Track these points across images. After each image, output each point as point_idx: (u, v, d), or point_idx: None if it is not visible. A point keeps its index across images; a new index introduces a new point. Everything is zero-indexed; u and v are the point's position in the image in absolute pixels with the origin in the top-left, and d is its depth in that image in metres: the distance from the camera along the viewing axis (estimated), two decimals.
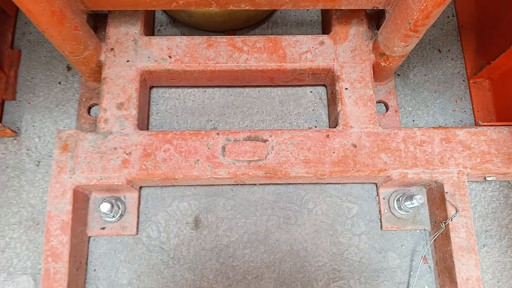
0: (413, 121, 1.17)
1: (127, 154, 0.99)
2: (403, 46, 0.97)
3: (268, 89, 1.20)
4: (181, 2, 0.96)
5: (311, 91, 1.20)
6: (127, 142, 1.00)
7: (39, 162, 1.13)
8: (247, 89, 1.20)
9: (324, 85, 1.19)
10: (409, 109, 1.18)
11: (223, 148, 1.00)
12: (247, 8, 0.99)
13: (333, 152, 0.99)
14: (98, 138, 1.01)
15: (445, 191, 0.98)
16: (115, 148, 1.00)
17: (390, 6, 0.99)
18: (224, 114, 1.18)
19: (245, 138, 1.01)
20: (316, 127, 1.16)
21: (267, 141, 1.00)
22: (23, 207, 1.10)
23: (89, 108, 1.16)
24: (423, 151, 1.00)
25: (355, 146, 1.00)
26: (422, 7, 0.82)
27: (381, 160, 0.99)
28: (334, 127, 1.07)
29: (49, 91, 1.19)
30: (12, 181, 1.12)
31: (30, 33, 1.24)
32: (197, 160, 0.99)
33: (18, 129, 1.16)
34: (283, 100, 1.19)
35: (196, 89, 1.20)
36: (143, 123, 1.12)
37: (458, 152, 1.00)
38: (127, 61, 1.07)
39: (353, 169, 0.98)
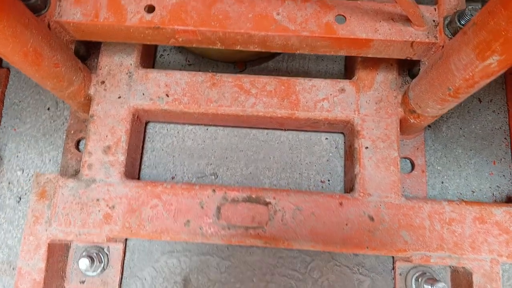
0: (442, 183, 1.01)
1: (110, 207, 0.88)
2: (439, 108, 0.81)
3: (278, 132, 1.06)
4: (180, 39, 0.83)
5: (327, 138, 1.05)
6: (111, 193, 0.89)
7: (20, 198, 1.03)
8: (254, 131, 1.06)
9: (342, 132, 1.04)
10: (439, 168, 1.02)
11: (218, 209, 0.87)
12: (256, 49, 0.85)
13: (346, 225, 0.85)
14: (80, 186, 0.89)
15: (474, 282, 0.83)
16: (98, 200, 0.88)
17: (427, 59, 0.83)
18: (226, 158, 1.04)
19: (244, 198, 0.88)
20: (329, 181, 1.02)
21: (270, 204, 0.87)
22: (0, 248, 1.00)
23: (78, 142, 1.04)
24: (451, 232, 0.85)
25: (372, 219, 0.86)
26: (467, 77, 0.66)
27: (401, 239, 0.85)
28: (350, 191, 0.93)
29: (36, 118, 1.08)
30: None
31: None
32: (188, 221, 0.87)
33: (1, 159, 1.06)
34: (293, 146, 1.05)
35: (197, 127, 1.07)
36: (134, 165, 0.99)
37: (494, 236, 0.85)
38: (119, 97, 0.94)
39: (367, 247, 0.84)
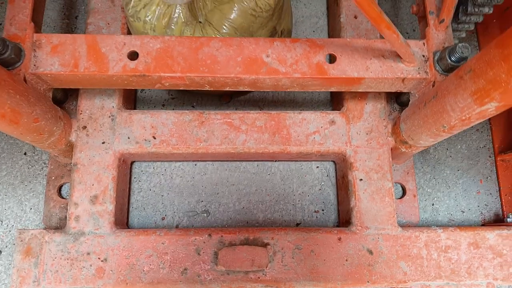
0: (433, 205, 1.03)
1: (102, 261, 0.84)
2: (431, 141, 0.82)
3: (269, 163, 1.04)
4: (167, 84, 0.80)
5: (318, 167, 1.04)
6: (102, 245, 0.85)
7: (0, 251, 0.97)
8: (244, 163, 1.04)
9: (332, 160, 1.04)
10: (429, 190, 1.04)
11: (216, 254, 0.85)
12: (246, 89, 0.82)
13: (346, 260, 0.85)
14: (68, 241, 0.85)
15: None
16: (88, 254, 0.84)
17: (417, 91, 0.84)
18: (217, 193, 1.02)
19: (242, 241, 0.86)
20: (323, 211, 1.02)
21: (268, 245, 0.86)
22: None
23: (60, 188, 0.99)
24: (448, 259, 0.86)
25: (371, 252, 0.86)
26: (464, 118, 0.67)
27: (400, 270, 0.85)
28: (345, 223, 0.93)
29: (13, 164, 1.02)
30: None
31: None
32: (185, 269, 0.84)
33: None
34: (285, 177, 1.03)
35: (185, 163, 1.04)
36: (122, 210, 0.96)
37: (488, 260, 0.87)
38: (103, 143, 0.90)
39: (368, 281, 0.85)
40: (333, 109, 1.08)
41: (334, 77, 0.78)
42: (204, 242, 0.86)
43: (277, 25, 0.96)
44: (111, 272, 0.83)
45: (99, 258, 0.84)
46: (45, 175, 1.01)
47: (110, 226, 0.86)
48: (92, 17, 0.96)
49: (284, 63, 0.78)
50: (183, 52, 0.77)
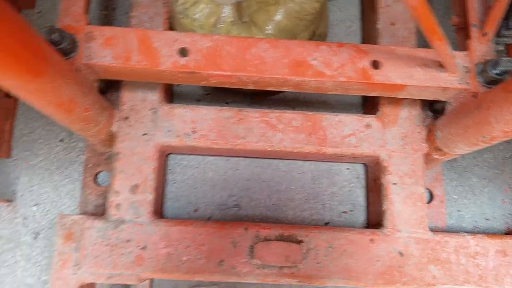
0: (458, 211, 1.05)
1: (141, 248, 0.86)
2: (468, 150, 0.84)
3: (300, 162, 1.06)
4: (213, 81, 0.82)
5: (348, 168, 1.06)
6: (141, 233, 0.87)
7: (37, 234, 1.00)
8: (275, 161, 1.06)
9: (363, 163, 1.06)
10: (455, 197, 1.06)
11: (251, 248, 0.87)
12: (289, 90, 0.85)
13: (377, 261, 0.88)
14: (109, 227, 0.87)
15: None
16: (128, 241, 0.87)
17: (454, 100, 0.86)
18: (249, 189, 1.04)
19: (276, 236, 0.88)
20: (352, 211, 1.04)
21: (302, 242, 0.88)
22: (18, 287, 0.97)
23: (95, 176, 1.02)
24: (476, 265, 0.89)
25: (401, 254, 0.88)
26: (507, 130, 0.69)
27: (430, 273, 0.88)
28: (375, 225, 0.95)
29: (49, 150, 1.04)
30: (5, 255, 0.99)
31: None
32: (221, 261, 0.86)
33: (14, 193, 1.02)
34: (315, 177, 1.06)
35: (218, 157, 1.06)
36: (158, 201, 0.98)
37: None
38: (144, 134, 0.92)
39: (398, 283, 0.87)
40: (364, 113, 1.10)
41: (378, 83, 0.80)
42: (240, 236, 0.88)
43: (316, 29, 0.97)
44: (149, 260, 0.86)
45: (138, 246, 0.87)
46: (81, 162, 1.04)
47: (149, 216, 0.89)
48: (135, 11, 0.98)
49: (330, 66, 0.80)
50: (231, 51, 0.79)
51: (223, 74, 0.79)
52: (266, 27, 0.87)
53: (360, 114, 0.96)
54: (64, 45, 0.73)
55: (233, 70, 0.78)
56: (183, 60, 0.78)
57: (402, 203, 0.91)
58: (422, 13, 0.60)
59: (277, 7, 0.86)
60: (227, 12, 0.86)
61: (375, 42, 1.01)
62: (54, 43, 0.72)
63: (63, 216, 0.88)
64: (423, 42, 1.00)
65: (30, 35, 0.56)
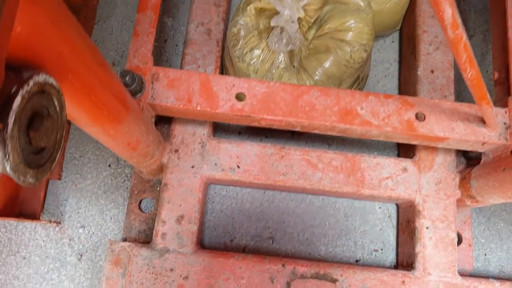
0: (485, 255, 1.08)
1: (183, 278, 0.91)
2: (502, 201, 0.88)
3: (333, 198, 1.11)
4: (264, 123, 0.87)
5: (380, 207, 1.11)
6: (184, 263, 0.92)
7: (81, 255, 1.05)
8: (310, 196, 1.11)
9: (395, 203, 1.10)
10: (482, 240, 1.09)
11: (288, 284, 0.91)
12: (334, 134, 0.89)
13: None
14: (154, 256, 0.92)
15: None
16: (172, 270, 0.91)
17: (491, 151, 0.90)
18: (283, 222, 1.09)
19: (312, 274, 0.92)
20: (382, 250, 1.08)
21: (337, 281, 0.92)
22: None
23: (140, 202, 1.07)
24: None
25: None
26: None
27: None
28: (406, 266, 0.99)
29: (97, 174, 1.10)
30: (51, 274, 1.03)
31: None
32: None
33: (62, 214, 1.07)
34: (348, 214, 1.10)
35: (255, 190, 1.11)
36: (200, 230, 1.03)
37: None
38: (192, 167, 0.98)
39: None
40: (398, 154, 1.14)
41: (421, 135, 0.84)
42: (278, 272, 0.92)
43: (361, 72, 1.03)
44: None
45: (181, 276, 0.91)
46: (127, 188, 1.09)
47: (192, 246, 0.93)
48: (189, 48, 1.04)
49: (376, 116, 0.84)
50: (285, 98, 0.85)
51: (276, 119, 0.84)
52: (316, 73, 0.92)
53: (397, 158, 1.01)
54: (133, 87, 0.79)
55: (285, 115, 0.84)
56: (240, 104, 0.84)
57: (434, 246, 0.95)
58: (477, 83, 0.65)
59: (328, 55, 0.92)
60: (281, 58, 0.92)
61: (414, 87, 1.06)
62: (126, 85, 0.78)
63: (113, 243, 0.93)
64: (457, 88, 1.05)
65: (117, 85, 0.62)
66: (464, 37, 0.59)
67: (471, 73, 0.64)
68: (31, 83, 0.35)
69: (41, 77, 0.36)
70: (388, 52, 1.23)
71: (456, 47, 0.61)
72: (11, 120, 0.33)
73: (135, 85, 0.79)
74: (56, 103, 0.40)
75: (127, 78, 0.77)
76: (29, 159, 0.37)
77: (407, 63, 1.14)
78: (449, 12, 0.55)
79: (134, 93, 0.81)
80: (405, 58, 1.17)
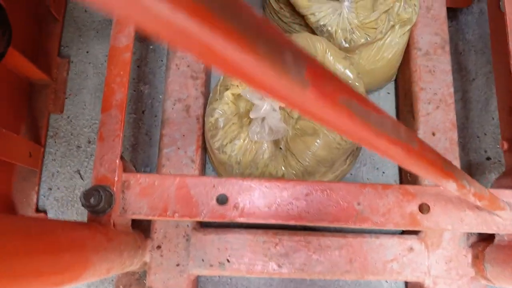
0: None
1: None
2: None
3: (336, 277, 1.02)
4: (251, 222, 0.78)
5: (387, 281, 1.02)
6: None
7: None
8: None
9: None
10: None
11: None
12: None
13: None
14: None
15: None
16: None
17: (508, 236, 0.81)
18: None
19: None
20: None
21: None
22: None
23: None
24: None
25: None
26: None
27: None
28: None
29: None
30: None
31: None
32: None
33: None
34: None
35: None
36: None
37: None
38: (177, 265, 0.89)
39: None
40: (404, 230, 1.05)
41: (426, 227, 0.75)
42: None
43: (354, 146, 0.94)
44: None
45: None
46: (112, 280, 1.01)
47: None
48: (167, 128, 0.96)
49: (376, 212, 0.76)
50: (270, 197, 0.76)
51: (264, 221, 0.75)
52: (305, 158, 0.84)
53: (401, 236, 0.92)
54: (102, 206, 0.71)
55: (274, 218, 0.75)
56: (222, 209, 0.75)
57: None
58: (491, 198, 0.56)
59: (315, 138, 0.83)
60: (265, 147, 0.83)
61: None
62: (91, 207, 0.69)
63: None
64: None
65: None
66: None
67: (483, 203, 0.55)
68: None
69: None
70: (383, 105, 1.14)
71: None
72: None
73: (102, 203, 0.71)
74: None
75: (91, 200, 0.68)
76: None
77: (405, 123, 1.05)
78: None
79: (102, 211, 0.73)
80: (403, 116, 1.08)
